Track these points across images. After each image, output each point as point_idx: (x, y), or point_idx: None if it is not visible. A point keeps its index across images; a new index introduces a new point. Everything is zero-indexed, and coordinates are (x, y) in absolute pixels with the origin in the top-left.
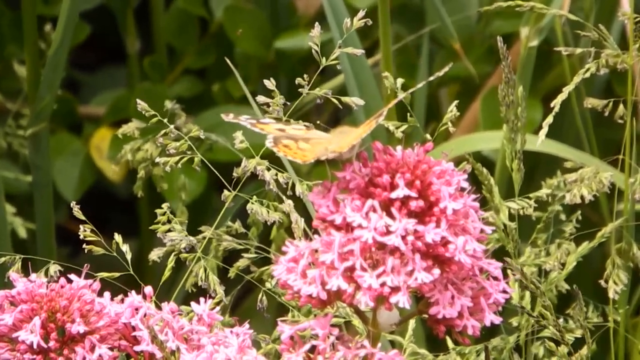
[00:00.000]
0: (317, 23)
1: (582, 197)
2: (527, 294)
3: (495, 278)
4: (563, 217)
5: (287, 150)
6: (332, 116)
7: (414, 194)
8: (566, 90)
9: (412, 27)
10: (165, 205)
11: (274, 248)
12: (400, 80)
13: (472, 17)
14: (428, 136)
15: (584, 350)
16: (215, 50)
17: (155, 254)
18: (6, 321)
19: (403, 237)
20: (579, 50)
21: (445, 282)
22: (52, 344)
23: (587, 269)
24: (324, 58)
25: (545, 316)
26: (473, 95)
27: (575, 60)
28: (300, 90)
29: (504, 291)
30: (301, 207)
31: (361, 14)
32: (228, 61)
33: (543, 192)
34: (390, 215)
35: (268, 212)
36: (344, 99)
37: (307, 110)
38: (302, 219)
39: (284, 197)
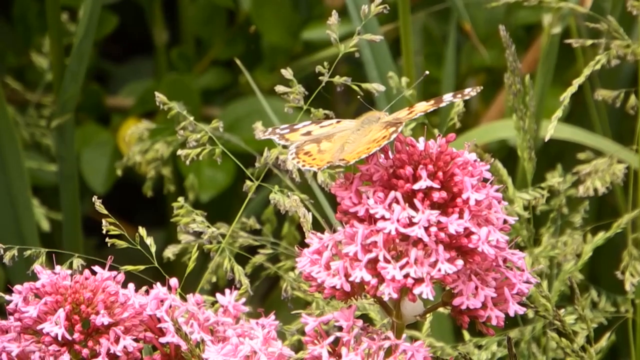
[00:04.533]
0: (334, 11)
1: (595, 190)
2: (545, 285)
3: (519, 268)
4: (565, 210)
5: (306, 159)
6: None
7: (436, 185)
8: (576, 83)
9: (440, 19)
10: (181, 199)
11: (284, 244)
12: (405, 79)
13: (498, 8)
14: (436, 131)
15: (603, 342)
16: (243, 40)
17: (170, 251)
18: (31, 313)
19: (426, 229)
20: (589, 42)
21: (469, 273)
22: (76, 335)
23: (612, 257)
24: (342, 46)
25: (545, 307)
26: (500, 84)
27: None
28: (320, 78)
29: (528, 281)
30: (326, 199)
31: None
32: (238, 61)
33: (555, 180)
34: (413, 206)
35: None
36: (365, 85)
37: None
38: (311, 213)
39: (289, 193)
